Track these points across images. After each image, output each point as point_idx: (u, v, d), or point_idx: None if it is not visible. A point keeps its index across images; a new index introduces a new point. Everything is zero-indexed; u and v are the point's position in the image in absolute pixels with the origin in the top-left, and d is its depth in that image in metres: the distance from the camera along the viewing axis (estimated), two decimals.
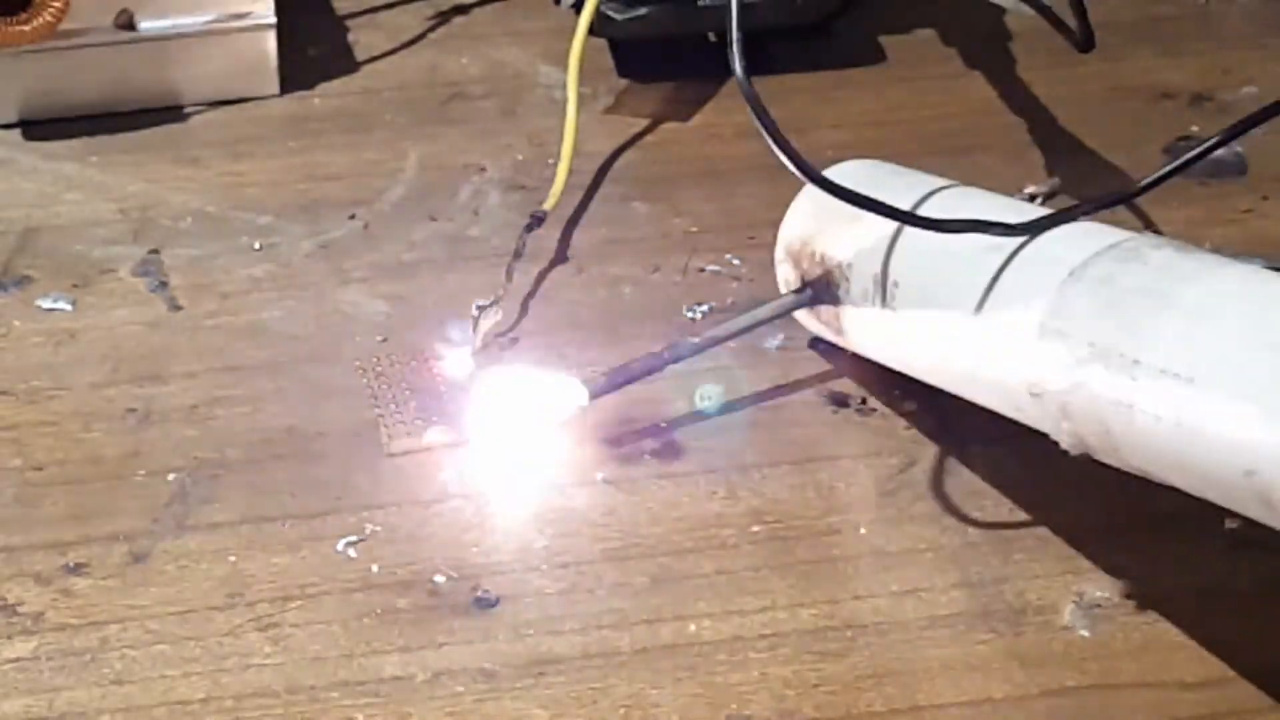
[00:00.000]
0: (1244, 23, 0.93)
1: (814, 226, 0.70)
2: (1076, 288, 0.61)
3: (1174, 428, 0.57)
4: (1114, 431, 0.59)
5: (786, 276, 0.72)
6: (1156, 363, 0.57)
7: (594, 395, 0.69)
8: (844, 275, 0.69)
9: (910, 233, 0.65)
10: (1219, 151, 0.70)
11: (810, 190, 0.69)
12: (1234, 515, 0.68)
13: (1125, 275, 0.60)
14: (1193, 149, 0.70)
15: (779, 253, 0.72)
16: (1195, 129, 0.85)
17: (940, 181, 0.69)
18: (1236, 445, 0.55)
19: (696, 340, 0.70)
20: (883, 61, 0.90)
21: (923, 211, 0.66)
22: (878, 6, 0.92)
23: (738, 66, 0.65)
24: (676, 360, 0.70)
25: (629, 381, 0.69)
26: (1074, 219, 0.64)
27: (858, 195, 0.64)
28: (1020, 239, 0.63)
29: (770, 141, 0.64)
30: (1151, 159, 0.83)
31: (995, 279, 0.63)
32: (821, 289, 0.70)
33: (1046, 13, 0.78)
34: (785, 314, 0.72)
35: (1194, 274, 0.59)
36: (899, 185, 0.69)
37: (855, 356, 0.71)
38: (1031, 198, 0.77)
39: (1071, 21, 0.82)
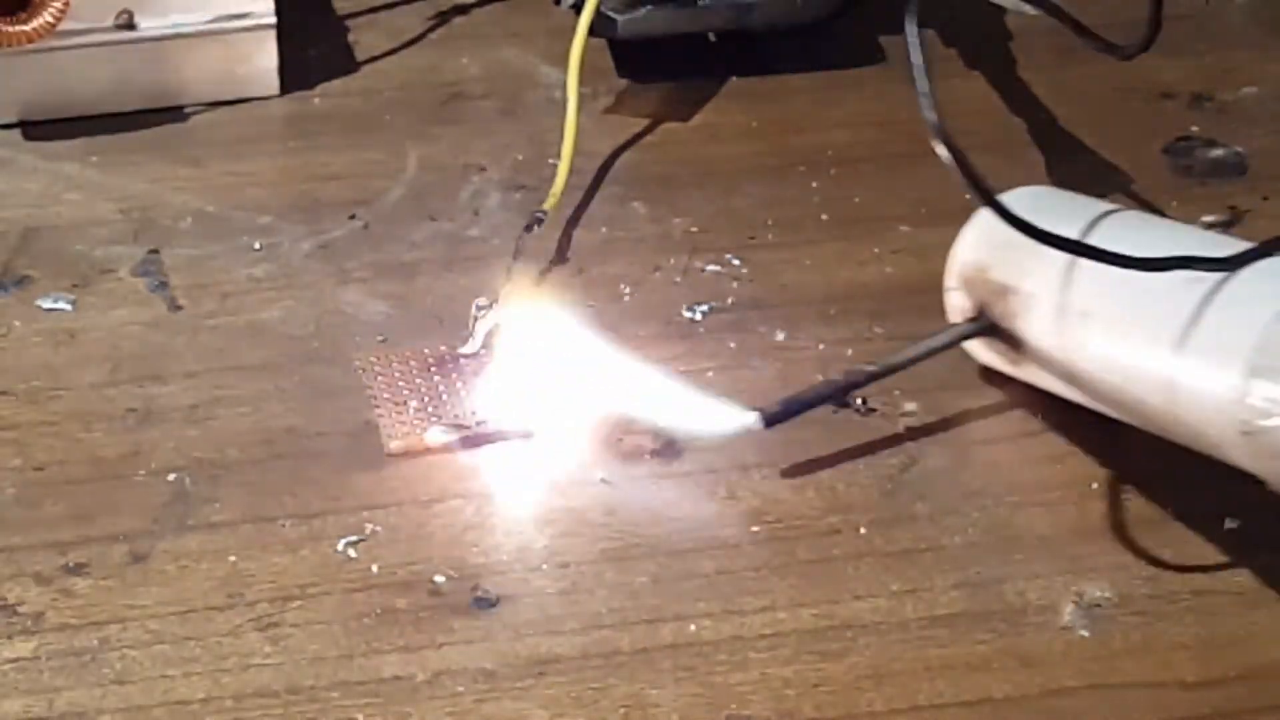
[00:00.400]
0: (1244, 23, 0.93)
1: (991, 254, 0.69)
2: None
3: None
4: None
5: (959, 304, 0.71)
6: None
7: (769, 423, 0.68)
8: (1025, 305, 0.68)
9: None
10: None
11: (981, 220, 0.69)
12: (1234, 515, 0.68)
13: None
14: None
15: (950, 280, 0.71)
16: (1195, 129, 0.85)
17: (1108, 205, 0.68)
18: None
19: (872, 368, 0.70)
20: (883, 61, 0.90)
21: (1109, 242, 0.64)
22: (878, 6, 0.92)
23: (929, 114, 0.64)
24: (852, 388, 0.70)
25: (805, 409, 0.69)
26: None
27: (1068, 241, 0.63)
28: (1223, 274, 0.62)
29: (964, 179, 0.63)
30: (1151, 159, 0.83)
31: (1197, 314, 0.62)
32: (999, 318, 0.69)
33: (1075, 24, 0.77)
34: (960, 342, 0.71)
35: None
36: (1074, 212, 0.67)
37: (1029, 387, 0.70)
38: (1209, 226, 0.77)
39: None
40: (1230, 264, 0.62)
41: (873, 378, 0.70)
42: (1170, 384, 0.63)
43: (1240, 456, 0.62)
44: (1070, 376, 0.68)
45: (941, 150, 0.63)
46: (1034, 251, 0.66)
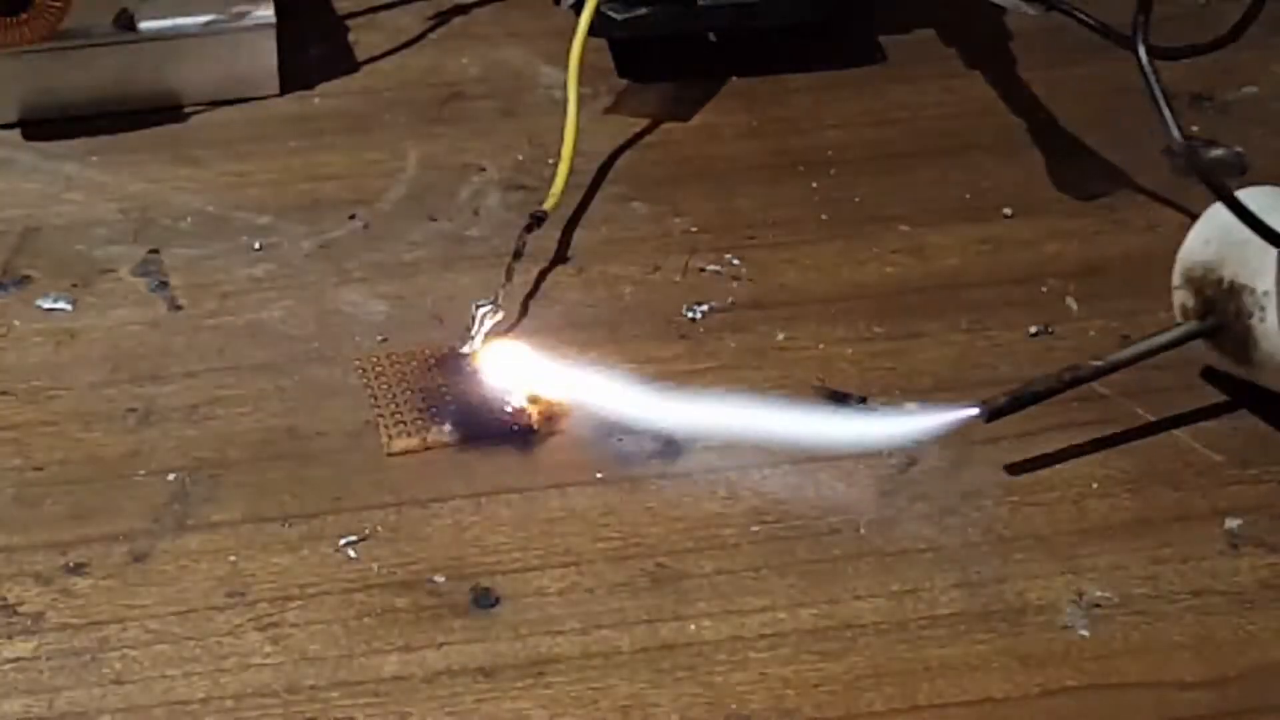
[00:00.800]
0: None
1: (1221, 253, 0.69)
2: None
3: None
4: None
5: (1184, 303, 0.71)
6: None
7: (993, 416, 0.69)
8: (1257, 304, 0.67)
9: None
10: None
11: (1213, 216, 0.69)
12: (1234, 515, 0.68)
13: None
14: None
15: (1176, 279, 0.71)
16: (1195, 129, 0.85)
17: None
18: None
19: (1099, 363, 0.70)
20: (883, 61, 0.90)
21: None
22: (878, 6, 0.92)
23: (1172, 129, 0.64)
24: (1076, 384, 0.70)
25: (1031, 403, 0.69)
26: None
27: None
28: None
29: (1205, 182, 0.63)
30: (1152, 159, 0.83)
31: None
32: (1230, 317, 0.69)
33: (1086, 20, 0.77)
34: (1187, 341, 0.70)
35: None
36: None
37: (1255, 388, 0.70)
38: None
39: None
40: None
41: (1099, 373, 0.70)
42: None
43: None
44: None
45: (1177, 153, 0.63)
46: (1268, 250, 0.66)
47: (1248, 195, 0.68)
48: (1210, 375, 0.70)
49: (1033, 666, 0.63)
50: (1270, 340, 0.68)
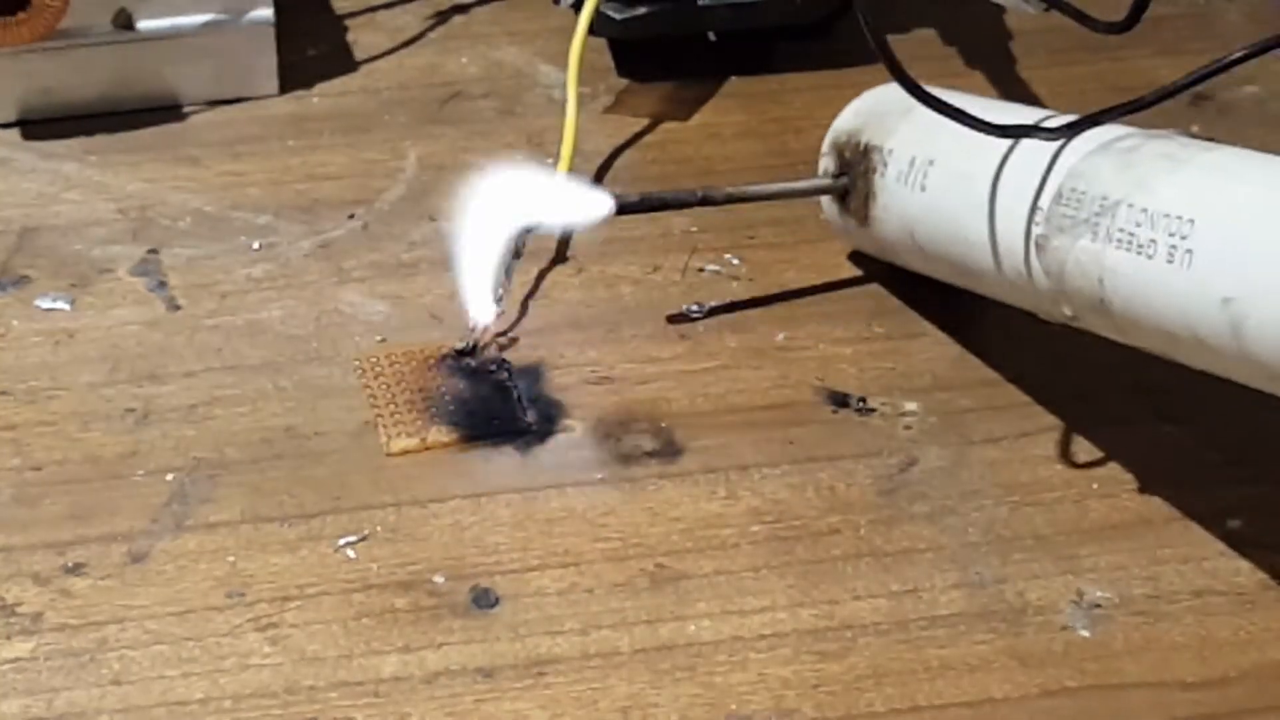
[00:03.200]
0: (1244, 23, 0.93)
1: (863, 122, 0.75)
2: (1101, 154, 0.64)
3: (1164, 265, 0.60)
4: (1106, 282, 0.62)
5: (826, 167, 0.76)
6: (1161, 208, 0.61)
7: (621, 210, 0.72)
8: (883, 160, 0.72)
9: (956, 125, 0.68)
10: (1080, 119, 0.70)
11: (867, 95, 0.76)
12: (1234, 515, 0.68)
13: (1150, 144, 0.64)
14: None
15: (825, 147, 0.76)
16: (1195, 129, 0.85)
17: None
18: (1219, 272, 0.59)
19: (730, 190, 0.75)
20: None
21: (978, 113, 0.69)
22: (878, 6, 0.92)
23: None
24: (706, 203, 0.74)
25: (659, 208, 0.74)
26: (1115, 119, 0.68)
27: (951, 106, 0.67)
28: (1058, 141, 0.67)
29: (881, 56, 0.68)
30: None
31: (1030, 158, 0.66)
32: (860, 174, 0.73)
33: (1065, 7, 0.78)
34: (820, 193, 0.76)
35: (1216, 146, 0.64)
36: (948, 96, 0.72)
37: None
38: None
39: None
40: (1064, 132, 0.66)
41: (729, 199, 0.75)
42: (990, 212, 0.67)
43: (1030, 282, 0.66)
44: (909, 221, 0.72)
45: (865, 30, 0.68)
46: (901, 117, 0.72)
47: (884, 89, 0.75)
48: (1210, 375, 0.70)
49: (1033, 666, 0.63)
50: (887, 193, 0.72)
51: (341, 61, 0.89)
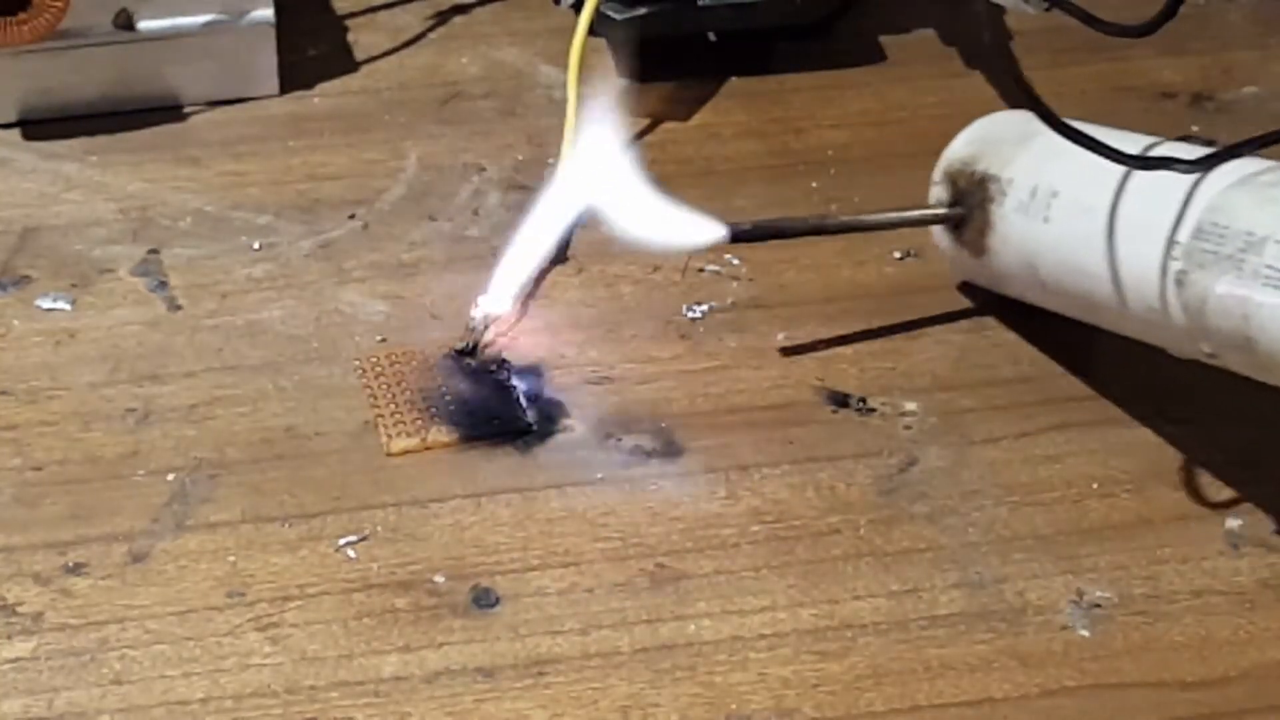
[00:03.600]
0: (1244, 23, 0.93)
1: (979, 151, 0.73)
2: (1241, 189, 0.63)
3: None
4: (1252, 320, 0.61)
5: (939, 197, 0.74)
6: None
7: (735, 238, 0.72)
8: (1000, 190, 0.71)
9: (1078, 152, 0.67)
10: (1218, 151, 0.70)
11: (979, 123, 0.74)
12: (1234, 515, 0.68)
13: None
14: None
15: (936, 175, 0.75)
16: (1195, 129, 0.85)
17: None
18: None
19: (844, 219, 0.76)
20: (883, 61, 0.90)
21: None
22: (878, 6, 0.92)
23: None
24: (819, 231, 0.75)
25: (773, 236, 0.75)
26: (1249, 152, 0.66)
27: (1085, 135, 0.66)
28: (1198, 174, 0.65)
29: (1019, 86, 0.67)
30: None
31: (1163, 190, 0.65)
32: (975, 204, 0.72)
33: (1077, 11, 0.78)
34: (934, 223, 0.75)
35: None
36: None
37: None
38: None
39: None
40: (1202, 165, 0.65)
41: (844, 228, 0.76)
42: (1121, 248, 0.66)
43: (1167, 319, 0.64)
44: (1031, 255, 0.70)
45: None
46: (1019, 146, 0.71)
47: (1005, 115, 0.75)
48: (1211, 376, 0.70)
49: (1033, 666, 0.63)
50: (1006, 224, 0.71)
51: (342, 62, 0.89)
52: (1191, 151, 0.66)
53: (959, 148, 0.74)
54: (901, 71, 0.89)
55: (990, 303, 0.76)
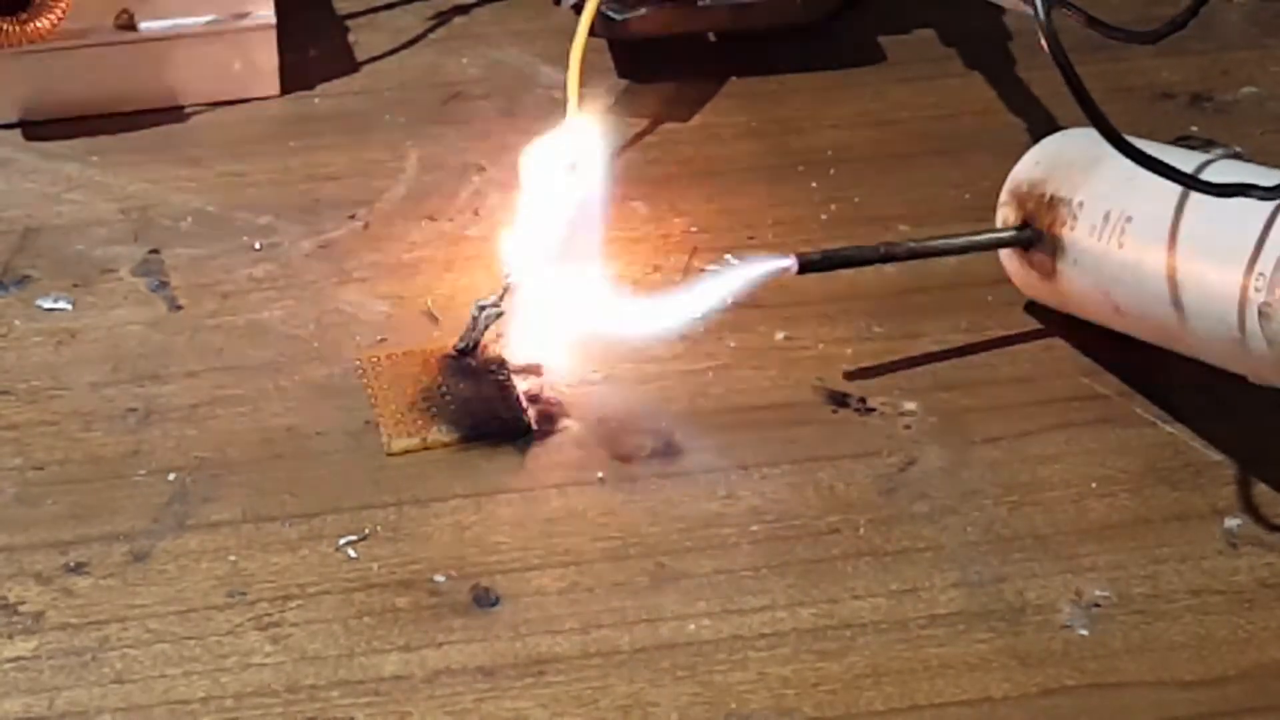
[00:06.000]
0: (1244, 23, 0.93)
1: (1049, 172, 0.72)
2: None
3: None
4: None
5: (1006, 217, 0.74)
6: None
7: (803, 269, 0.71)
8: (1072, 213, 0.70)
9: (1150, 175, 0.66)
10: (1219, 151, 0.70)
11: (1047, 143, 0.74)
12: (1234, 515, 0.68)
13: None
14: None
15: (1004, 196, 0.74)
16: (1195, 129, 0.85)
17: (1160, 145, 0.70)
18: None
19: (912, 245, 0.74)
20: (883, 61, 0.90)
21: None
22: (878, 6, 0.92)
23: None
24: (888, 259, 0.73)
25: (841, 265, 0.73)
26: None
27: (1153, 160, 0.65)
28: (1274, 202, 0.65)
29: (1075, 96, 0.66)
30: None
31: (1242, 217, 0.64)
32: (1045, 227, 0.71)
33: (1088, 17, 0.77)
34: (1004, 246, 0.74)
35: None
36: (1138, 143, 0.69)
37: (1064, 316, 0.72)
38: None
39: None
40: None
41: (912, 254, 0.74)
42: (1198, 274, 0.66)
43: (1249, 347, 0.64)
44: (1103, 280, 0.70)
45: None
46: (1088, 169, 0.70)
47: (1070, 133, 0.74)
48: (1212, 376, 0.70)
49: (1032, 666, 0.63)
50: (1077, 248, 0.70)
51: (342, 62, 0.89)
52: (1267, 176, 0.65)
53: (1027, 169, 0.73)
54: (901, 71, 0.89)
55: (990, 303, 0.76)
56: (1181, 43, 0.89)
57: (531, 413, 0.71)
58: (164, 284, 0.77)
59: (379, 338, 0.75)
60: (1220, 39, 0.91)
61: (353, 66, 0.89)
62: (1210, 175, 0.67)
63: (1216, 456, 0.70)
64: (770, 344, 0.75)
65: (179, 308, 0.76)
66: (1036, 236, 0.72)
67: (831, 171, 0.83)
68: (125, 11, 0.83)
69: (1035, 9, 0.66)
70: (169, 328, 0.75)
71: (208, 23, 0.84)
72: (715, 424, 0.71)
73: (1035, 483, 0.69)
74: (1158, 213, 0.67)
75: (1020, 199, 0.73)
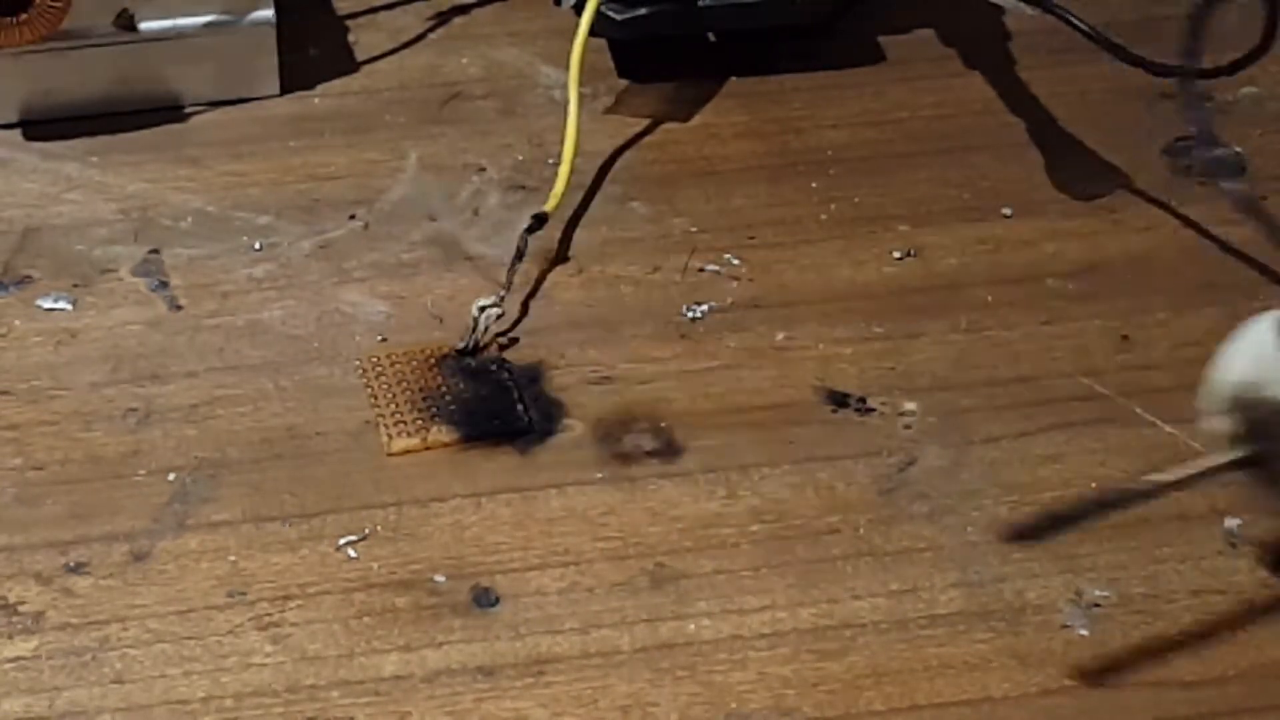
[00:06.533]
0: (1244, 23, 0.93)
1: (1267, 375, 0.63)
2: None
3: None
4: None
5: (1226, 429, 0.64)
6: None
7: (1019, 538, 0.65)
8: None
9: None
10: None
11: (1250, 337, 0.64)
12: (1234, 515, 0.68)
13: None
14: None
15: (1214, 403, 0.64)
16: (1194, 130, 0.85)
17: None
18: None
19: (1136, 488, 0.65)
20: (882, 61, 0.90)
21: None
22: (878, 6, 0.92)
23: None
24: (1117, 507, 0.65)
25: (1070, 527, 0.65)
26: None
27: None
28: None
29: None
30: (1151, 159, 0.83)
31: None
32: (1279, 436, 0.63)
33: (1076, 23, 0.77)
34: (1235, 469, 0.64)
35: None
36: None
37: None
38: None
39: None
40: None
41: (1146, 495, 0.65)
42: None
43: None
44: None
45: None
46: None
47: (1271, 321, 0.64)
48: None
49: (1032, 666, 0.63)
50: None
51: (342, 62, 0.89)
52: None
53: (1240, 368, 0.63)
54: (901, 71, 0.89)
55: (990, 303, 0.76)
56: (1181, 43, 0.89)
57: (531, 413, 0.71)
58: (164, 284, 0.77)
59: (379, 338, 0.75)
60: (1220, 40, 0.91)
61: (353, 66, 0.89)
62: None
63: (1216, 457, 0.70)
64: (770, 344, 0.75)
65: (179, 308, 0.76)
66: (1272, 449, 0.62)
67: (831, 171, 0.83)
68: (125, 11, 0.83)
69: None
70: (169, 328, 0.75)
71: (208, 23, 0.84)
72: (715, 424, 0.71)
73: (1035, 483, 0.69)
74: None
75: (1242, 408, 0.63)
